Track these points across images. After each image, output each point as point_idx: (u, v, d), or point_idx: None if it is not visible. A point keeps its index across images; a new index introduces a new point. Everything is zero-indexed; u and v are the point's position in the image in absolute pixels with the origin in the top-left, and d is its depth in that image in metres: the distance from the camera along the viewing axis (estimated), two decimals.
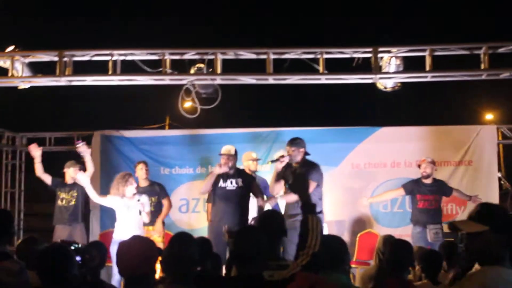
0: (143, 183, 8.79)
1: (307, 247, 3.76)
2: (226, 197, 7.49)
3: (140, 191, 8.29)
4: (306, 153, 7.40)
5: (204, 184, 7.65)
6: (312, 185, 7.23)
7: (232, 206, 7.42)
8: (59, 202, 8.98)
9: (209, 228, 7.68)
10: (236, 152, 7.68)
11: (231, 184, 7.53)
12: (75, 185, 8.83)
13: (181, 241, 3.52)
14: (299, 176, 7.27)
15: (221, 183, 7.56)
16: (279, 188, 7.45)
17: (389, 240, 5.35)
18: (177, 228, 9.81)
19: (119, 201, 7.78)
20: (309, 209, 4.18)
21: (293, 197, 7.25)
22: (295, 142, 7.40)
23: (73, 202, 8.93)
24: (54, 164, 9.17)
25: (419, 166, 8.72)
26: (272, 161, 7.56)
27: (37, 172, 8.80)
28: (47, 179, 8.94)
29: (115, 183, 7.83)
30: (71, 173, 8.87)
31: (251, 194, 7.65)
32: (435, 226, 8.25)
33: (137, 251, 3.13)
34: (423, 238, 8.16)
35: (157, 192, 8.83)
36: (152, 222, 8.41)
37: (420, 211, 8.49)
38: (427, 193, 8.53)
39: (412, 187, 8.68)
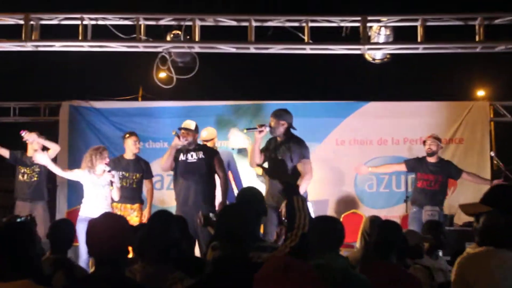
0: (130, 156, 8.65)
1: (295, 227, 3.74)
2: (187, 170, 7.47)
3: (124, 163, 8.24)
4: (290, 127, 7.33)
5: (164, 160, 7.58)
6: (307, 164, 7.19)
7: (195, 179, 7.40)
8: (20, 177, 8.85)
9: (176, 208, 7.61)
10: (197, 127, 7.68)
11: (191, 157, 7.51)
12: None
13: (162, 219, 3.47)
14: (284, 151, 7.23)
15: (181, 157, 7.55)
16: (258, 160, 7.37)
17: (376, 221, 5.36)
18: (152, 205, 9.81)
19: (87, 175, 7.72)
20: (293, 190, 4.13)
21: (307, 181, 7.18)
22: (276, 113, 7.35)
23: (35, 178, 8.81)
24: (18, 136, 9.03)
25: (424, 142, 8.72)
26: (248, 129, 7.52)
27: None
28: (5, 153, 8.81)
29: (87, 155, 7.80)
30: (34, 146, 8.72)
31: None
32: (432, 207, 8.27)
33: (110, 230, 3.08)
34: (417, 218, 8.18)
35: (143, 169, 8.68)
36: (132, 200, 8.39)
37: (418, 191, 8.52)
38: (428, 172, 8.54)
39: (414, 165, 8.69)
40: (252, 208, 4.16)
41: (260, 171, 9.08)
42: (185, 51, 8.31)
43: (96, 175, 7.77)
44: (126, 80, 19.70)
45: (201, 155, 7.55)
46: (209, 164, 7.49)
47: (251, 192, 5.48)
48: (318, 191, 9.70)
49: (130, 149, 8.61)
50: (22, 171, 8.85)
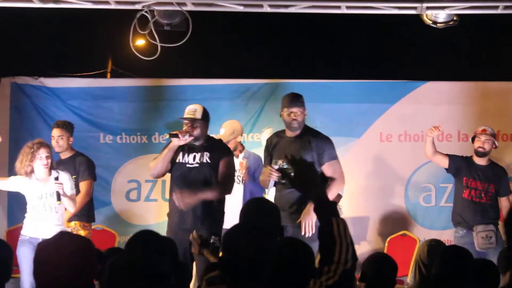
0: (65, 154, 8.65)
1: (335, 261, 3.70)
2: (183, 178, 7.37)
3: (58, 164, 8.23)
4: None
5: (158, 163, 7.44)
6: (336, 165, 7.16)
7: (191, 191, 7.33)
8: None
9: (167, 226, 7.60)
10: (205, 113, 7.47)
11: (193, 160, 7.42)
12: None
13: (144, 244, 3.43)
14: (302, 149, 7.20)
15: (179, 158, 7.46)
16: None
17: (436, 247, 5.33)
18: (122, 222, 9.81)
19: (27, 182, 7.75)
20: (330, 208, 4.06)
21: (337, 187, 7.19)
22: (302, 101, 7.32)
23: None
24: None
25: (473, 138, 8.69)
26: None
27: None
28: None
29: (19, 155, 7.80)
30: None
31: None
32: (485, 227, 8.24)
33: (69, 255, 3.05)
34: (468, 244, 8.13)
35: (75, 168, 8.66)
36: (87, 215, 8.46)
37: (465, 204, 8.48)
38: (476, 179, 8.52)
39: (460, 164, 8.65)
40: (264, 228, 4.14)
41: None
42: (173, 9, 8.28)
43: (40, 180, 7.75)
44: (90, 50, 19.75)
45: (206, 158, 7.44)
46: (214, 171, 7.42)
47: (261, 205, 5.46)
48: (355, 205, 9.70)
49: (60, 145, 8.61)
50: None
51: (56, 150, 8.49)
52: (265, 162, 7.63)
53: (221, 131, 8.61)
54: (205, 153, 7.36)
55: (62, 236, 3.35)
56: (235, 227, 4.31)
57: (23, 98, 10.29)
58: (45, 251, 3.12)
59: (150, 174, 7.76)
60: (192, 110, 7.39)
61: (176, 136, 7.20)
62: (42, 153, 7.71)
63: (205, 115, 7.42)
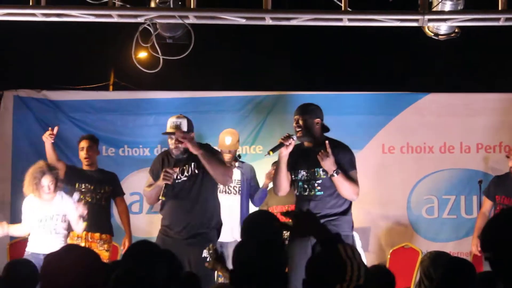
0: (92, 167, 8.74)
1: (347, 279, 3.71)
2: (175, 193, 7.36)
3: (84, 176, 8.31)
4: (323, 127, 7.29)
5: (148, 193, 7.43)
6: (354, 178, 7.09)
7: (184, 206, 7.31)
8: None
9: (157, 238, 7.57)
10: (189, 123, 7.38)
11: (182, 174, 7.41)
12: None
13: (142, 255, 3.44)
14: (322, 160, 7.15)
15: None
16: (287, 183, 7.26)
17: (439, 259, 5.32)
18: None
19: (33, 203, 7.84)
20: (333, 239, 4.07)
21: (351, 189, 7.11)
22: (305, 109, 7.25)
23: None
24: None
25: (508, 155, 8.69)
26: (273, 150, 7.11)
27: None
28: None
29: (25, 178, 7.85)
30: None
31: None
32: None
33: (75, 268, 3.06)
34: None
35: (111, 181, 8.74)
36: (100, 226, 8.50)
37: None
38: (509, 195, 8.48)
39: (493, 188, 8.67)
40: (273, 241, 4.16)
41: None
42: (175, 22, 8.29)
43: (45, 201, 7.83)
44: (92, 63, 19.74)
45: (194, 169, 7.35)
46: (206, 180, 7.39)
47: (261, 218, 5.45)
48: (357, 216, 9.66)
49: (85, 160, 8.69)
50: None
51: (85, 163, 8.65)
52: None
53: (228, 139, 8.57)
54: (193, 163, 7.30)
55: (68, 249, 3.36)
56: (244, 241, 4.32)
57: (25, 111, 10.29)
58: (52, 264, 3.13)
59: (147, 202, 7.83)
60: (175, 123, 7.29)
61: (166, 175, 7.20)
62: (45, 181, 7.78)
63: (190, 125, 7.38)
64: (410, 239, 9.92)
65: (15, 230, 8.09)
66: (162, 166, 7.34)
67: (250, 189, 8.78)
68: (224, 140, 8.40)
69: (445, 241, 9.67)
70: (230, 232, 8.53)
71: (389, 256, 9.56)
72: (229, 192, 8.54)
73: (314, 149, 7.01)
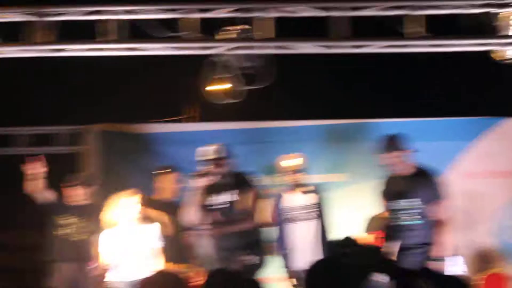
0: (167, 196, 8.81)
1: None
2: (215, 219, 7.45)
3: (159, 207, 8.42)
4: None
5: (188, 211, 7.61)
6: (442, 207, 7.17)
7: (223, 234, 7.39)
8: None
9: None
10: (224, 150, 7.55)
11: (219, 200, 7.48)
12: (91, 209, 8.78)
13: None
14: (411, 191, 7.21)
15: (208, 199, 7.53)
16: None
17: None
18: None
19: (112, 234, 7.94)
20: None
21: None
22: (397, 143, 7.33)
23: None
24: None
25: None
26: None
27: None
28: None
29: (117, 203, 7.98)
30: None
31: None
32: None
33: None
34: None
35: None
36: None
37: None
38: None
39: None
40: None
41: None
42: (253, 53, 8.36)
43: (126, 230, 7.98)
44: (172, 95, 19.88)
45: (235, 195, 7.49)
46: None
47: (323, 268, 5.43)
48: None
49: (170, 190, 8.77)
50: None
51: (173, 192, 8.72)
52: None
53: (287, 162, 8.50)
54: (235, 190, 7.43)
55: (160, 274, 3.40)
56: (317, 263, 4.30)
57: (108, 145, 10.47)
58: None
59: (186, 223, 7.96)
60: (214, 151, 7.48)
61: (206, 175, 7.38)
62: (128, 204, 7.93)
63: (229, 153, 7.54)
64: (500, 265, 9.79)
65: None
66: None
67: None
68: (283, 162, 8.37)
69: None
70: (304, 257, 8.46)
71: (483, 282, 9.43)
72: (309, 218, 8.47)
73: (411, 178, 7.23)
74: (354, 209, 9.62)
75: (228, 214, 7.43)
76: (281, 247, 8.07)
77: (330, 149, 10.12)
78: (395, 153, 7.29)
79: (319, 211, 8.41)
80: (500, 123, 10.36)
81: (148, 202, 8.64)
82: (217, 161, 7.42)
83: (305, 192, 8.25)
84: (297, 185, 8.26)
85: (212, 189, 7.48)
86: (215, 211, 7.45)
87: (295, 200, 8.17)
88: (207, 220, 7.47)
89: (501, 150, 10.15)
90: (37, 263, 9.23)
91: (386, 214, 7.69)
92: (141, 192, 8.34)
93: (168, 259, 8.30)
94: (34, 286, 7.33)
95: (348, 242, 5.84)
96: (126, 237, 7.94)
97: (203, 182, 7.33)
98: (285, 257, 8.06)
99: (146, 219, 8.12)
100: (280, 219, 8.11)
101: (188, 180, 10.17)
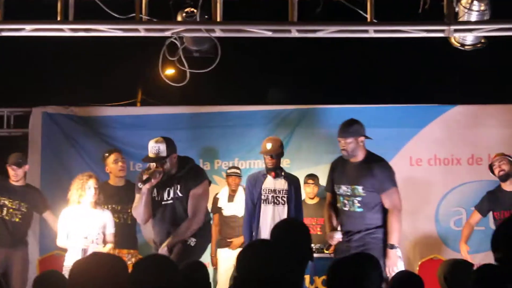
0: (118, 182, 8.77)
1: None
2: (162, 218, 7.42)
3: (110, 193, 8.39)
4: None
5: (140, 211, 7.43)
6: (395, 194, 7.28)
7: (170, 231, 7.35)
8: None
9: None
10: (168, 146, 7.40)
11: (168, 196, 7.44)
12: (24, 192, 8.75)
13: (154, 267, 3.38)
14: (362, 178, 7.27)
15: (155, 194, 7.46)
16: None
17: (460, 264, 5.31)
18: (151, 250, 9.82)
19: (75, 211, 7.93)
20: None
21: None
22: (350, 129, 7.35)
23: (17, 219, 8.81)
24: None
25: (491, 169, 8.69)
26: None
27: None
28: None
29: (70, 187, 7.98)
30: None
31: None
32: None
33: (100, 274, 3.04)
34: None
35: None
36: (128, 242, 8.62)
37: None
38: (506, 208, 8.45)
39: (487, 203, 8.70)
40: (292, 248, 4.12)
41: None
42: (202, 36, 8.29)
43: (89, 209, 7.99)
44: (120, 79, 19.77)
45: (177, 191, 7.40)
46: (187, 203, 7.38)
47: (291, 225, 5.43)
48: None
49: (115, 173, 8.74)
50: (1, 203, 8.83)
51: (120, 174, 8.83)
52: (327, 186, 7.80)
53: (268, 145, 8.42)
54: (177, 185, 7.37)
55: (95, 255, 3.36)
56: (249, 246, 4.27)
57: (54, 127, 10.36)
58: (77, 270, 3.13)
59: (139, 222, 7.91)
60: (156, 150, 7.34)
61: (149, 180, 7.23)
62: (91, 183, 7.95)
63: (170, 149, 7.40)
64: (439, 251, 9.88)
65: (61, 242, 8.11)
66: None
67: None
68: (265, 146, 8.34)
69: (474, 253, 9.56)
70: None
71: (417, 268, 9.50)
72: (277, 202, 8.43)
73: (358, 166, 7.29)
74: None
75: (176, 210, 7.38)
76: (248, 229, 8.23)
77: (274, 135, 10.07)
78: (349, 139, 7.30)
79: (286, 198, 8.41)
80: (448, 110, 10.33)
81: (102, 187, 8.59)
82: (160, 160, 7.31)
83: (275, 177, 8.32)
84: (270, 169, 8.34)
85: (159, 186, 7.41)
86: (163, 207, 7.40)
87: (267, 183, 8.30)
88: (156, 217, 7.44)
89: (447, 139, 10.19)
90: None
91: (328, 197, 7.75)
92: (95, 176, 8.24)
93: (117, 245, 8.31)
94: None
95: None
96: (79, 220, 7.93)
97: (150, 179, 7.24)
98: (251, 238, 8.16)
99: (99, 204, 8.10)
100: (253, 201, 8.25)
101: (133, 164, 10.20)
